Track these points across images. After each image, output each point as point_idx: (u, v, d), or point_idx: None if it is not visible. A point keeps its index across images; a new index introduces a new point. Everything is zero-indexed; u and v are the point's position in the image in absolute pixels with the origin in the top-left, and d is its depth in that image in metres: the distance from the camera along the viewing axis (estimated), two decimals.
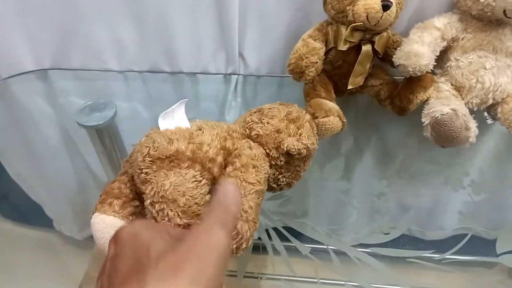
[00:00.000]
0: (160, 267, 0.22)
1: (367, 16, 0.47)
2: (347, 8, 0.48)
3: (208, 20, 0.59)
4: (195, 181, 0.35)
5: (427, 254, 0.48)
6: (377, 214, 0.54)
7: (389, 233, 0.50)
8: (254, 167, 0.37)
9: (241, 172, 0.36)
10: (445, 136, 0.48)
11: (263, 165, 0.39)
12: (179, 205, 0.33)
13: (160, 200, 0.33)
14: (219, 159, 0.38)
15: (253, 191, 0.36)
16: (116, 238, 0.26)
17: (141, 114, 0.66)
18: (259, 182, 0.37)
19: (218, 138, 0.38)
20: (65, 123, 0.68)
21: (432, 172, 0.58)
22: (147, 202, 0.34)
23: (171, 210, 0.33)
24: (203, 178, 0.35)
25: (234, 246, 0.34)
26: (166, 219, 0.33)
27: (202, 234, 0.24)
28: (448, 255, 0.48)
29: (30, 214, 0.91)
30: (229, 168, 0.37)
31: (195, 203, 0.33)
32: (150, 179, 0.35)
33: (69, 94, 0.66)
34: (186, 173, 0.35)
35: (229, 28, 0.59)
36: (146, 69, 0.65)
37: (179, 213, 0.33)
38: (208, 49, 0.62)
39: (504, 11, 0.47)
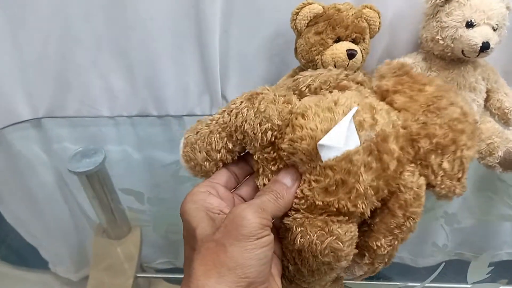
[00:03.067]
0: (201, 253, 0.26)
1: (334, 65, 0.50)
2: (316, 58, 0.52)
3: (192, 66, 0.63)
4: None
5: (406, 284, 0.50)
6: None
7: None
8: None
9: None
10: None
11: None
12: None
13: None
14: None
15: None
16: (180, 212, 0.30)
17: (131, 156, 0.69)
18: None
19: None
20: (59, 168, 0.71)
21: None
22: None
23: None
24: None
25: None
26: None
27: (237, 219, 0.26)
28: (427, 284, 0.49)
29: (27, 256, 0.93)
30: None
31: None
32: None
33: (63, 141, 0.69)
34: None
35: (211, 73, 0.63)
36: (136, 114, 0.68)
37: None
38: (193, 93, 0.66)
39: (463, 51, 0.50)
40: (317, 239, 0.28)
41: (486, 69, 0.56)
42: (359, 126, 0.28)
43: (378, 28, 0.53)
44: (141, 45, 0.60)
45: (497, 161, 0.52)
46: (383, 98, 0.32)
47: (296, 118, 0.30)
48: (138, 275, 0.67)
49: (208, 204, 0.29)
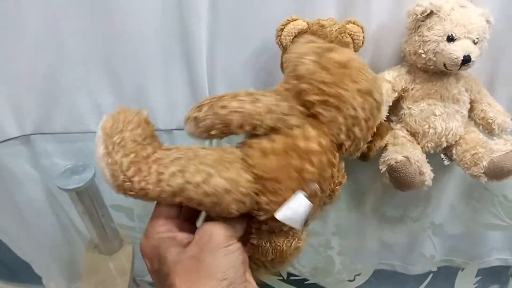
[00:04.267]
0: (179, 272, 0.29)
1: None
2: None
3: (180, 82, 0.63)
4: None
5: None
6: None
7: (353, 280, 0.52)
8: None
9: None
10: (401, 182, 0.51)
11: None
12: None
13: None
14: None
15: None
16: (144, 252, 0.33)
17: None
18: None
19: None
20: (49, 184, 0.71)
21: (399, 215, 0.60)
22: None
23: None
24: None
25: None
26: None
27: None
28: None
29: (20, 272, 0.92)
30: None
31: None
32: None
33: (51, 157, 0.69)
34: None
35: (199, 88, 0.63)
36: None
37: None
38: (182, 107, 0.66)
39: (444, 64, 0.51)
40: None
41: (469, 80, 0.57)
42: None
43: (362, 43, 0.54)
44: (129, 61, 0.61)
45: (482, 171, 0.52)
46: None
47: None
48: None
49: (171, 233, 0.32)
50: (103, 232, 0.66)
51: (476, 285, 0.51)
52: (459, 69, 0.51)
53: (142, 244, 0.33)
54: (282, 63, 0.56)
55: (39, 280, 0.91)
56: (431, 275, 0.53)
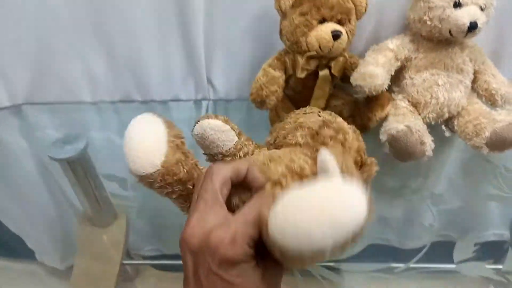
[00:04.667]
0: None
1: (319, 46, 0.49)
2: (301, 39, 0.50)
3: (176, 50, 0.61)
4: None
5: (389, 265, 0.50)
6: None
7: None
8: None
9: None
10: (401, 152, 0.50)
11: None
12: None
13: None
14: None
15: None
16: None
17: (114, 143, 0.68)
18: None
19: None
20: (41, 155, 0.69)
21: (399, 186, 0.60)
22: None
23: None
24: None
25: None
26: None
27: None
28: (412, 265, 0.49)
29: (13, 246, 0.92)
30: None
31: None
32: None
33: (44, 128, 0.67)
34: None
35: (196, 56, 0.61)
36: (118, 99, 0.66)
37: None
38: (178, 78, 0.64)
39: (450, 31, 0.50)
40: None
41: (474, 50, 0.55)
42: None
43: (365, 9, 0.52)
44: (122, 27, 0.58)
45: (484, 142, 0.51)
46: None
47: None
48: (125, 262, 0.66)
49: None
50: (96, 204, 0.65)
51: (475, 253, 0.51)
52: (465, 36, 0.49)
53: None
54: (281, 30, 0.54)
55: (32, 254, 0.91)
56: (428, 246, 0.53)
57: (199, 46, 0.60)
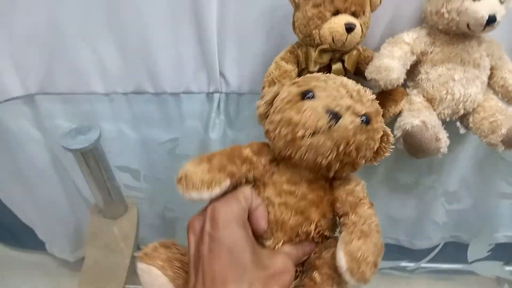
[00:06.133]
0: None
1: (332, 39, 0.48)
2: (314, 32, 0.50)
3: (188, 42, 0.61)
4: None
5: (401, 264, 0.49)
6: None
7: None
8: None
9: None
10: (416, 148, 0.49)
11: None
12: None
13: None
14: None
15: None
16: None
17: (127, 135, 0.68)
18: None
19: None
20: (53, 146, 0.70)
21: (411, 183, 0.59)
22: None
23: None
24: None
25: None
26: None
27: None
28: (422, 264, 0.49)
29: (23, 237, 0.92)
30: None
31: None
32: None
33: (56, 118, 0.67)
34: None
35: (208, 47, 0.61)
36: (131, 91, 0.66)
37: None
38: (190, 70, 0.64)
39: (468, 25, 0.49)
40: None
41: (491, 45, 0.54)
42: None
43: (380, 1, 0.52)
44: (135, 19, 0.58)
45: (500, 139, 0.50)
46: None
47: None
48: (136, 254, 0.66)
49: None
50: (107, 196, 0.65)
51: (490, 252, 0.51)
52: (483, 30, 0.48)
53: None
54: (293, 22, 0.53)
55: (42, 246, 0.91)
56: (441, 244, 0.52)
57: (212, 39, 0.60)
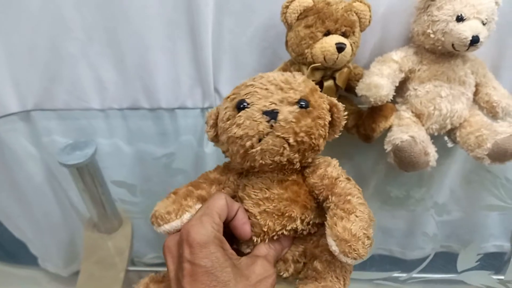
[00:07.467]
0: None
1: (324, 58, 0.51)
2: (306, 51, 0.52)
3: (184, 58, 0.63)
4: None
5: (393, 274, 0.50)
6: None
7: None
8: None
9: None
10: (406, 162, 0.51)
11: None
12: None
13: None
14: None
15: None
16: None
17: (122, 150, 0.69)
18: None
19: None
20: (48, 161, 0.70)
21: (402, 196, 0.60)
22: None
23: None
24: None
25: None
26: None
27: None
28: (414, 274, 0.50)
29: (15, 252, 0.91)
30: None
31: None
32: None
33: (52, 134, 0.68)
34: None
35: (204, 64, 0.62)
36: (127, 107, 0.67)
37: None
38: (185, 86, 0.65)
39: (453, 45, 0.51)
40: None
41: (475, 63, 0.57)
42: None
43: (369, 22, 0.54)
44: (132, 36, 0.60)
45: (485, 153, 0.52)
46: None
47: None
48: (130, 268, 0.66)
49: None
50: (102, 210, 0.66)
51: (478, 262, 0.52)
52: (467, 49, 0.51)
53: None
54: (287, 42, 0.55)
55: (35, 261, 0.90)
56: (432, 254, 0.54)
57: (207, 55, 0.61)
